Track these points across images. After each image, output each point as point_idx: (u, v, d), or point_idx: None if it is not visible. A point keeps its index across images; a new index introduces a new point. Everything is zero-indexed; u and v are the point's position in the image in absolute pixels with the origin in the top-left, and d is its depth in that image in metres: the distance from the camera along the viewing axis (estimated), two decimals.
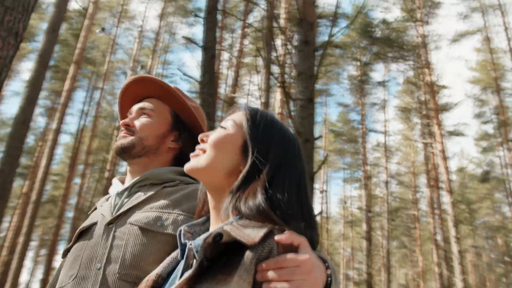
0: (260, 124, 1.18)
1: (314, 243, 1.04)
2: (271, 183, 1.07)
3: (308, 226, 1.07)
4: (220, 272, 0.94)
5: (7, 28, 3.26)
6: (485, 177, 29.96)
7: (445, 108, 24.93)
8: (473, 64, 30.02)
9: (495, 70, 25.73)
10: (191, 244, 1.05)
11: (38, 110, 29.31)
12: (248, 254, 0.93)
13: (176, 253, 1.20)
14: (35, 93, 8.64)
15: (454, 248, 18.84)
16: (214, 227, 1.14)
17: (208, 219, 1.24)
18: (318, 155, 30.99)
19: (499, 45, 25.81)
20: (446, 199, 20.27)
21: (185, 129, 1.65)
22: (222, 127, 1.21)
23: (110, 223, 1.38)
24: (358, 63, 28.06)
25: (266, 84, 10.85)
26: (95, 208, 1.60)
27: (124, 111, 1.74)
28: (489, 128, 31.66)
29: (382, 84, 29.67)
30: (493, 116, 29.65)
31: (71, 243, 1.46)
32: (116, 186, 1.60)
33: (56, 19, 9.62)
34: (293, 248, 0.95)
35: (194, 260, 1.03)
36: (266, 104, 10.70)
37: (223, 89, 23.96)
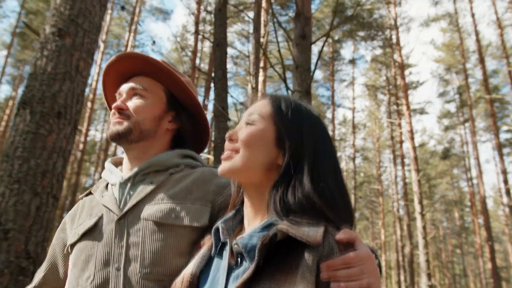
0: (288, 112, 1.15)
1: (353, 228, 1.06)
2: (313, 170, 1.06)
3: (349, 212, 1.08)
4: (278, 271, 0.93)
5: (86, 50, 3.50)
6: (445, 154, 31.31)
7: (412, 86, 25.82)
8: (439, 44, 31.02)
9: (462, 54, 26.68)
10: (236, 244, 1.03)
11: (4, 78, 28.60)
12: (309, 253, 0.92)
13: (206, 250, 1.17)
14: None
15: (419, 223, 19.83)
16: (252, 222, 1.12)
17: (237, 212, 1.21)
18: None
19: (465, 28, 26.77)
20: (412, 176, 21.12)
21: (182, 108, 1.54)
22: (249, 122, 1.16)
23: (120, 218, 1.31)
24: (330, 40, 28.44)
25: (256, 69, 11.10)
26: (90, 193, 1.51)
27: (109, 91, 1.60)
28: (452, 107, 33.05)
29: (352, 61, 30.29)
30: (456, 96, 30.91)
31: (76, 239, 1.36)
32: (114, 173, 1.48)
33: None
34: (350, 245, 0.95)
35: (238, 259, 1.04)
36: (256, 88, 10.97)
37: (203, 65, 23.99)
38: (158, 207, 1.31)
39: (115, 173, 1.47)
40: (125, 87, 1.49)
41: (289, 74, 8.89)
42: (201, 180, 1.40)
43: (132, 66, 1.51)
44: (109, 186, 1.45)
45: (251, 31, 22.43)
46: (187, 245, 1.26)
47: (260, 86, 16.09)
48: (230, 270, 1.03)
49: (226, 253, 1.07)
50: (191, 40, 25.85)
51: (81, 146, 22.66)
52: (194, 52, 20.97)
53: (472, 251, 41.87)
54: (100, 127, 34.45)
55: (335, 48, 29.04)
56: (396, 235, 29.43)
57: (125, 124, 1.42)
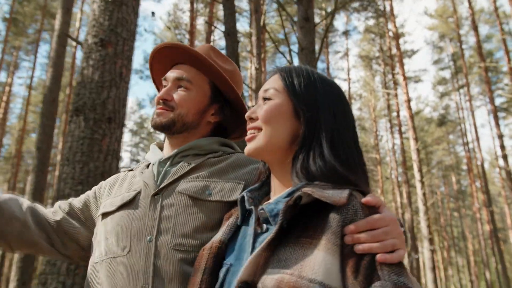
0: (300, 82, 1.15)
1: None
2: (332, 136, 1.08)
3: (367, 178, 1.10)
4: (303, 235, 0.94)
5: (127, 57, 3.78)
6: (441, 121, 31.75)
7: (406, 55, 26.04)
8: (432, 12, 31.10)
9: (456, 21, 26.80)
10: (262, 209, 1.05)
11: None
12: (333, 216, 0.92)
13: (233, 219, 1.19)
14: (59, 72, 8.93)
15: (419, 190, 20.34)
16: (277, 193, 1.14)
17: (264, 184, 1.23)
18: None
19: None
20: (411, 145, 21.50)
21: (225, 101, 1.56)
22: (266, 98, 1.17)
23: (156, 194, 1.36)
24: (323, 12, 28.46)
25: (258, 49, 11.31)
26: (131, 170, 1.57)
27: (156, 74, 1.64)
28: (447, 74, 33.34)
29: (345, 33, 30.42)
30: (451, 63, 31.18)
31: (113, 209, 1.40)
32: (155, 153, 1.54)
33: None
34: (375, 210, 0.95)
35: (265, 225, 1.06)
36: (260, 69, 11.21)
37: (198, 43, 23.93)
38: (192, 183, 1.36)
39: (157, 153, 1.54)
40: (171, 75, 1.51)
41: (283, 48, 9.11)
42: (237, 164, 1.44)
43: (178, 54, 1.54)
44: (150, 165, 1.50)
45: (243, 7, 22.49)
46: (218, 220, 1.29)
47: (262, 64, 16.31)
48: (256, 237, 1.05)
49: (252, 220, 1.09)
50: (183, 18, 25.85)
51: None
52: (191, 32, 21.04)
53: (470, 213, 42.70)
54: None
55: (329, 20, 29.07)
56: (396, 202, 30.04)
57: (169, 116, 1.46)
